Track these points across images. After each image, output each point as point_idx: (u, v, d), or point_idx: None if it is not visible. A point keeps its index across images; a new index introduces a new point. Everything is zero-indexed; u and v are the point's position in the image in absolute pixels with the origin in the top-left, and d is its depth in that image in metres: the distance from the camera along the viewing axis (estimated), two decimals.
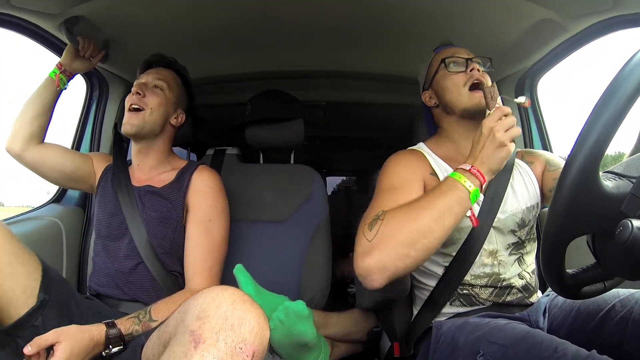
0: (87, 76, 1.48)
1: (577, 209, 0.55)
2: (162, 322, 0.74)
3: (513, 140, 0.83)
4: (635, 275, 0.61)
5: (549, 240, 0.59)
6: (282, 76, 1.68)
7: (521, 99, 0.90)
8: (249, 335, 0.57)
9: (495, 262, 0.96)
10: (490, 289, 0.96)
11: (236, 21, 1.28)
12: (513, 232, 0.98)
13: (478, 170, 0.82)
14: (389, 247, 0.77)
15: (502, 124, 0.82)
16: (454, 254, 0.96)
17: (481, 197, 0.96)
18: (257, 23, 1.29)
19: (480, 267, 0.96)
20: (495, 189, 0.96)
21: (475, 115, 0.97)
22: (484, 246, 0.95)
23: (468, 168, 0.82)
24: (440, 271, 0.98)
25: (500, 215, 0.95)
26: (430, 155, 1.03)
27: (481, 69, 1.00)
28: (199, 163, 1.24)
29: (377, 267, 0.77)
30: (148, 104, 1.13)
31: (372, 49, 1.48)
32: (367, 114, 2.13)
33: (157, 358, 0.68)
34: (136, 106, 1.12)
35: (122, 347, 0.85)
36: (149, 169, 1.19)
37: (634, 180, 0.57)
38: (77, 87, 1.47)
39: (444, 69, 1.02)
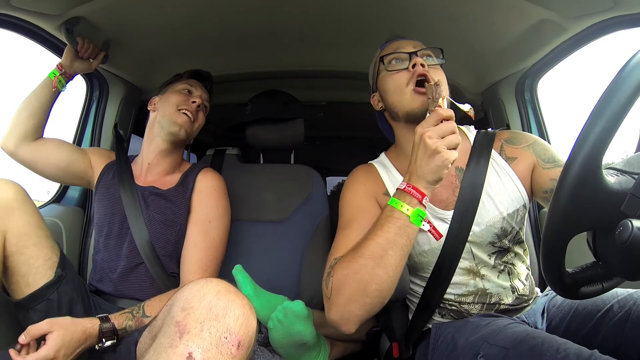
0: (87, 76, 1.48)
1: (579, 203, 0.55)
2: (154, 318, 0.75)
3: (454, 148, 0.73)
4: (635, 276, 0.61)
5: (550, 237, 0.59)
6: (282, 76, 1.68)
7: (466, 107, 0.80)
8: (234, 324, 0.58)
9: (477, 279, 0.91)
10: (479, 305, 0.92)
11: (236, 22, 1.28)
12: (492, 243, 0.91)
13: (413, 187, 0.75)
14: (343, 302, 0.77)
15: (436, 129, 0.73)
16: (428, 276, 0.93)
17: (448, 213, 0.89)
18: (257, 23, 1.29)
19: (463, 287, 0.91)
20: (467, 200, 0.88)
21: (421, 120, 0.80)
22: (460, 264, 0.89)
23: (403, 187, 0.76)
24: (420, 290, 0.96)
25: (475, 227, 0.89)
26: (386, 171, 0.99)
27: (428, 62, 0.89)
28: (203, 166, 1.25)
29: (341, 321, 0.78)
30: (198, 119, 1.21)
31: (372, 49, 1.48)
32: (367, 114, 2.12)
33: None
34: (190, 117, 1.17)
35: (115, 341, 0.86)
36: (160, 170, 1.20)
37: (636, 177, 0.56)
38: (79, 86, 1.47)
39: (384, 69, 0.92)
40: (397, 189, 0.78)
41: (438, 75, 0.88)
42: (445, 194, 0.92)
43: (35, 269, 0.91)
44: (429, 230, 0.78)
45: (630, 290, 0.85)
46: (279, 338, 1.03)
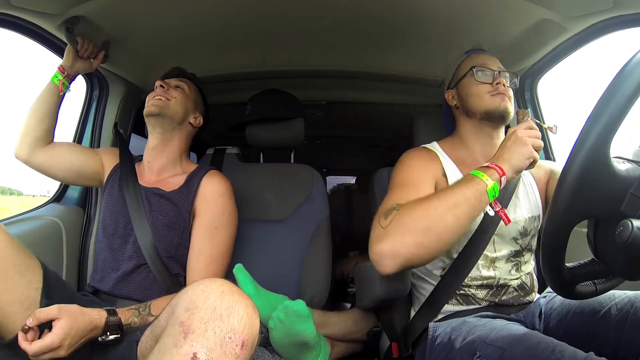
0: (87, 76, 1.48)
1: (585, 185, 0.55)
2: (156, 317, 0.75)
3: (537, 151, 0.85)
4: (634, 276, 0.61)
5: (554, 222, 0.59)
6: (282, 75, 1.67)
7: (550, 124, 0.95)
8: (238, 324, 0.58)
9: (491, 268, 0.97)
10: (487, 289, 0.97)
11: (236, 21, 1.28)
12: (515, 239, 1.00)
13: (497, 165, 0.83)
14: (402, 233, 0.78)
15: (526, 130, 0.86)
16: (454, 256, 0.97)
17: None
18: (257, 23, 1.29)
19: (476, 270, 0.96)
20: (501, 197, 0.96)
21: (495, 119, 1.00)
22: (484, 252, 0.96)
23: (487, 164, 0.84)
24: (439, 273, 0.99)
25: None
26: (442, 156, 1.04)
27: (506, 83, 1.02)
28: (209, 168, 1.24)
29: (390, 253, 0.78)
30: (172, 96, 1.18)
31: (372, 49, 1.48)
32: (367, 113, 2.13)
33: (150, 351, 0.68)
34: (160, 97, 1.16)
35: (119, 335, 0.86)
36: (160, 169, 1.19)
37: None
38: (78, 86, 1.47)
39: (472, 76, 1.04)
40: (479, 167, 0.85)
41: (510, 94, 1.02)
42: None
43: (12, 315, 0.85)
44: (497, 211, 0.85)
45: (628, 293, 0.85)
46: (279, 338, 1.03)
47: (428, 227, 0.77)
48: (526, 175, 1.07)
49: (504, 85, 1.01)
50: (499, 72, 1.03)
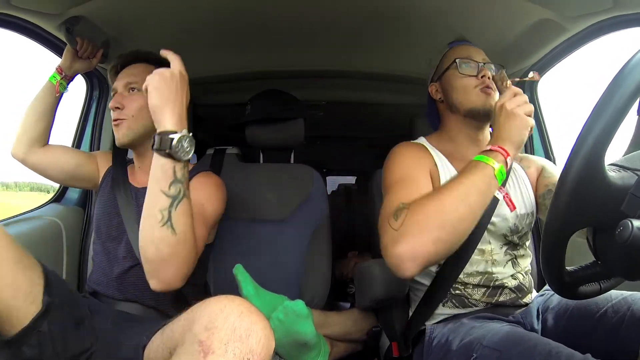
0: (87, 76, 1.48)
1: (581, 198, 0.55)
2: (165, 324, 0.74)
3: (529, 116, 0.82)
4: (635, 276, 0.61)
5: (551, 232, 0.59)
6: (282, 76, 1.68)
7: (530, 74, 0.92)
8: (257, 346, 0.59)
9: (488, 261, 0.95)
10: (483, 289, 0.95)
11: (237, 21, 1.28)
12: (505, 236, 0.97)
13: (499, 147, 0.80)
14: (419, 232, 0.73)
15: (512, 99, 0.83)
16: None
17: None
18: (257, 23, 1.29)
19: (474, 265, 0.95)
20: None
21: (480, 116, 0.97)
22: (478, 246, 0.94)
23: (489, 147, 0.81)
24: (434, 269, 0.97)
25: (494, 218, 0.94)
26: (433, 150, 1.02)
27: (492, 74, 0.98)
28: (201, 169, 1.20)
29: (410, 254, 0.73)
30: (128, 113, 1.07)
31: (372, 49, 1.48)
32: (367, 113, 2.13)
33: None
34: (117, 122, 1.07)
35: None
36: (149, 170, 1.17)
37: (639, 173, 0.57)
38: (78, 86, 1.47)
39: (455, 68, 1.01)
40: (482, 151, 0.82)
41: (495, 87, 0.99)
42: None
43: (15, 310, 0.83)
44: (504, 196, 0.84)
45: (625, 293, 0.85)
46: (279, 338, 1.03)
47: (443, 222, 0.74)
48: (518, 170, 1.04)
49: (489, 77, 0.97)
50: (484, 63, 0.99)
